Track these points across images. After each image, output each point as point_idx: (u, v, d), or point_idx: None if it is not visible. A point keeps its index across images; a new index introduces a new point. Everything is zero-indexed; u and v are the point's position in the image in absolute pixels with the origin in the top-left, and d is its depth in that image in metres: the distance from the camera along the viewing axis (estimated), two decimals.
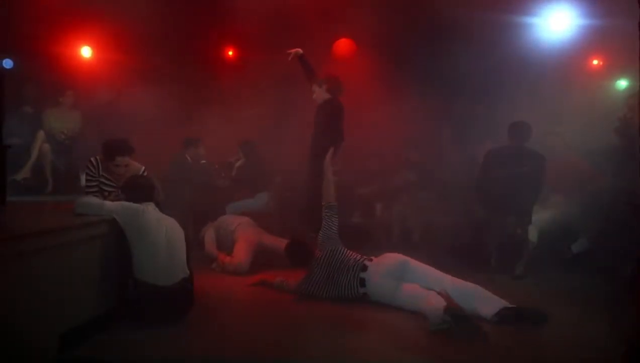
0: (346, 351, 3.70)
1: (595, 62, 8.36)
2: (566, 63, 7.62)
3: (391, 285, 4.46)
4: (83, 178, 5.41)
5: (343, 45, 8.64)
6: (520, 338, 3.90)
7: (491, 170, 5.75)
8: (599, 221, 5.64)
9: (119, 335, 3.82)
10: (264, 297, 5.02)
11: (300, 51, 5.96)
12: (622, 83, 7.99)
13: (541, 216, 5.88)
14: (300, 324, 4.22)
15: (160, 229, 4.13)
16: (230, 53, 8.92)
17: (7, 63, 7.54)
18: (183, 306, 4.17)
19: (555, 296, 4.75)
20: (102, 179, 4.95)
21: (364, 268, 4.63)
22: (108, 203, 4.21)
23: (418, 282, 4.41)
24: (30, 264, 3.26)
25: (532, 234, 5.76)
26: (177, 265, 4.17)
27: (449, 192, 6.96)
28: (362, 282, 4.59)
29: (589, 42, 7.54)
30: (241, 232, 6.04)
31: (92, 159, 5.00)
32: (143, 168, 5.02)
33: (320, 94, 5.84)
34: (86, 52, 8.18)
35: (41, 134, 7.05)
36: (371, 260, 4.69)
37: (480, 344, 3.76)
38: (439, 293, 4.11)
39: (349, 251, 4.84)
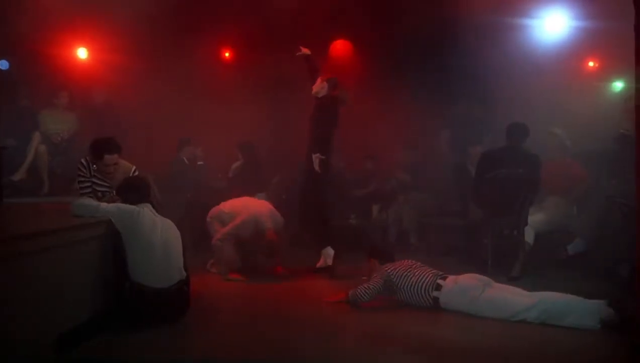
0: (345, 352, 3.70)
1: (591, 63, 8.40)
2: (562, 65, 7.65)
3: (476, 288, 4.35)
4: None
5: (340, 46, 8.66)
6: (518, 340, 3.91)
7: (487, 171, 5.76)
8: (595, 222, 5.65)
9: (118, 335, 3.81)
10: (262, 297, 5.02)
11: (308, 52, 6.03)
12: (618, 85, 8.03)
13: (537, 217, 5.90)
14: (300, 324, 4.21)
15: (156, 230, 4.11)
16: (227, 54, 8.92)
17: (3, 64, 7.53)
18: (179, 308, 4.16)
19: None
20: (94, 180, 4.91)
21: (443, 278, 4.51)
22: (104, 204, 4.20)
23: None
24: (29, 264, 3.25)
25: (529, 235, 5.78)
26: (173, 267, 4.15)
27: (446, 193, 6.98)
28: (437, 287, 4.45)
29: (585, 44, 7.58)
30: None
31: (82, 160, 4.96)
32: (134, 167, 4.98)
33: (322, 89, 5.85)
34: (82, 53, 8.16)
35: (37, 135, 7.02)
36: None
37: (475, 345, 3.77)
38: None
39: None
